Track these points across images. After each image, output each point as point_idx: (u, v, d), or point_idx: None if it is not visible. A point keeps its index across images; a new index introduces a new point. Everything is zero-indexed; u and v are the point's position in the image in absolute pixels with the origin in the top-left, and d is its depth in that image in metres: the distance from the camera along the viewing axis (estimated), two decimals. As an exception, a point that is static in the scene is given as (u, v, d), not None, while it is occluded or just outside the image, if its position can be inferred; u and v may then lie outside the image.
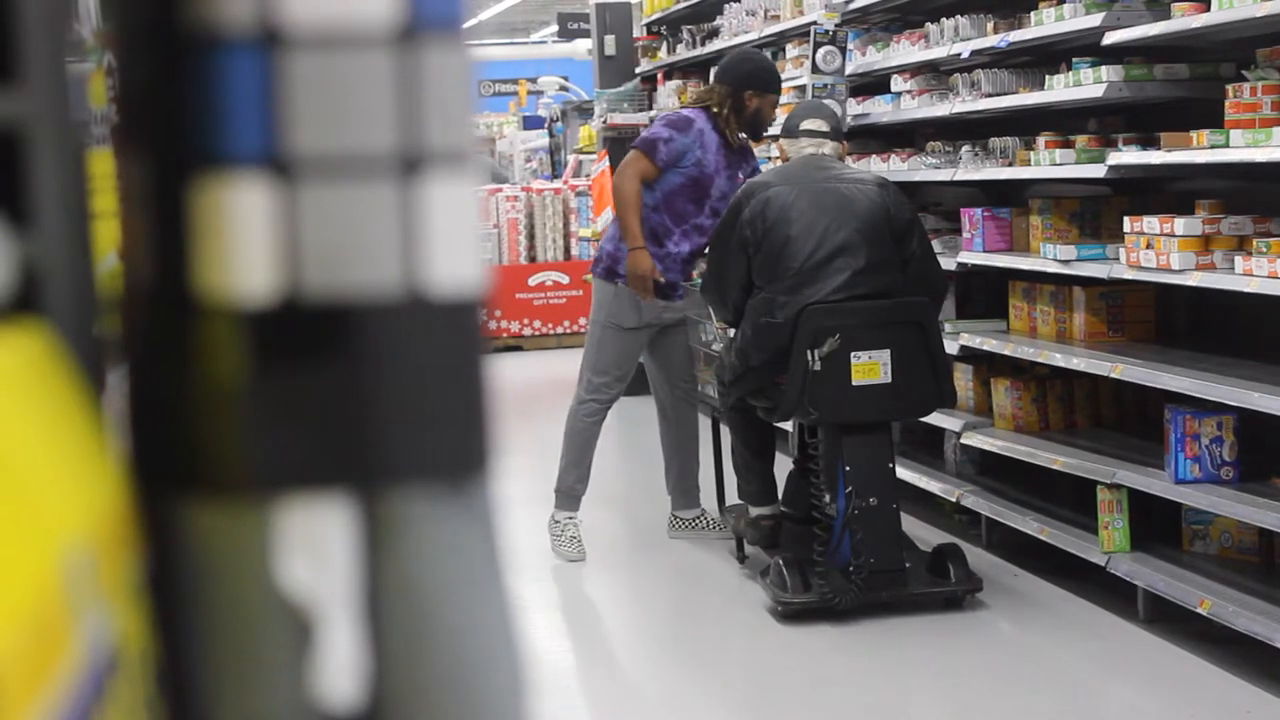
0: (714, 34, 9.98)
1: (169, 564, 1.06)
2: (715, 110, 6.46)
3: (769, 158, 7.84)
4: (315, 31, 1.05)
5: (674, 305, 6.52)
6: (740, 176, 6.49)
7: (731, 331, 5.95)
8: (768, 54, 9.01)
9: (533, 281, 13.62)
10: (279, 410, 1.05)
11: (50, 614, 0.81)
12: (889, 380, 5.53)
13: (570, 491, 6.51)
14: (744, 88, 6.46)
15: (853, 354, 5.50)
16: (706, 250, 6.21)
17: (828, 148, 5.91)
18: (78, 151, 1.11)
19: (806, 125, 5.92)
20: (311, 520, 1.07)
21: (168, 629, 1.05)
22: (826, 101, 7.34)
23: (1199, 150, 5.02)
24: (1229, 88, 5.00)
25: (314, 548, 1.07)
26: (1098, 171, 5.56)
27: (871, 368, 5.52)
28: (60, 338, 1.05)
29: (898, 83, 7.26)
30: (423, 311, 1.08)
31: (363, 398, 1.06)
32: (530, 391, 11.04)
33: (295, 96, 1.05)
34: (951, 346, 6.26)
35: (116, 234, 1.14)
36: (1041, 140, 6.05)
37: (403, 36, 1.07)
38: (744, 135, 6.54)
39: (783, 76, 8.35)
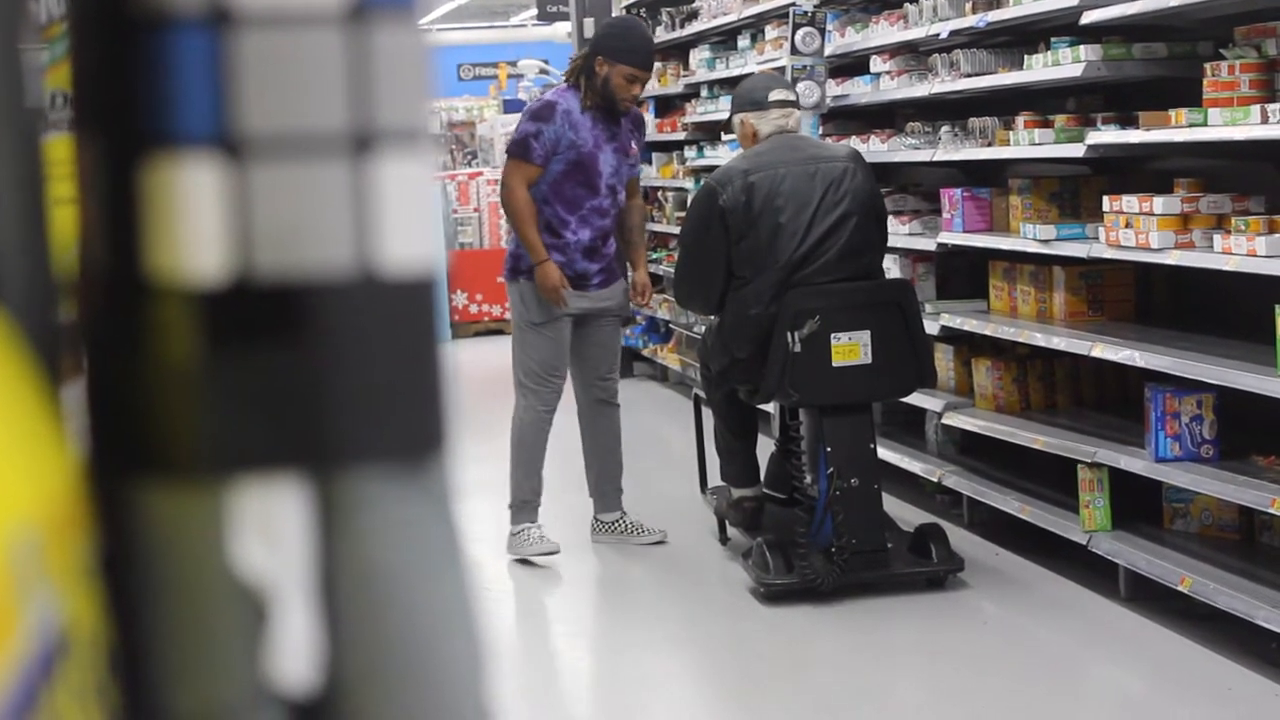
0: (693, 16, 9.96)
1: (123, 546, 1.06)
2: (573, 76, 6.24)
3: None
4: (264, 10, 1.04)
5: (589, 294, 6.20)
6: (633, 147, 6.29)
7: (713, 318, 5.93)
8: (746, 36, 9.01)
9: (514, 266, 13.57)
10: (232, 391, 1.05)
11: (-4, 597, 0.81)
12: (869, 361, 5.53)
13: (527, 504, 6.24)
14: (595, 53, 6.20)
15: (833, 335, 5.50)
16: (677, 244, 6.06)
17: (794, 118, 5.89)
18: (32, 135, 1.10)
19: (776, 96, 5.86)
20: (266, 502, 1.06)
21: (121, 611, 1.04)
22: (807, 82, 7.33)
23: (1177, 129, 5.01)
24: (1207, 66, 5.00)
25: (268, 529, 1.07)
26: (1077, 151, 5.56)
27: (852, 349, 5.52)
28: (14, 320, 1.04)
29: (877, 63, 7.26)
30: (376, 291, 1.07)
31: (316, 378, 1.06)
32: (511, 376, 11.02)
33: (245, 76, 1.04)
34: (932, 327, 6.26)
35: (75, 218, 1.13)
36: (1020, 120, 6.05)
37: (353, 14, 1.06)
38: (627, 106, 6.24)
39: (762, 58, 8.35)
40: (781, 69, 7.58)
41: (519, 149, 6.12)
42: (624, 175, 6.30)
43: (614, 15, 6.65)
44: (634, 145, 6.33)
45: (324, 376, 1.06)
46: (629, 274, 6.53)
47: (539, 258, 6.05)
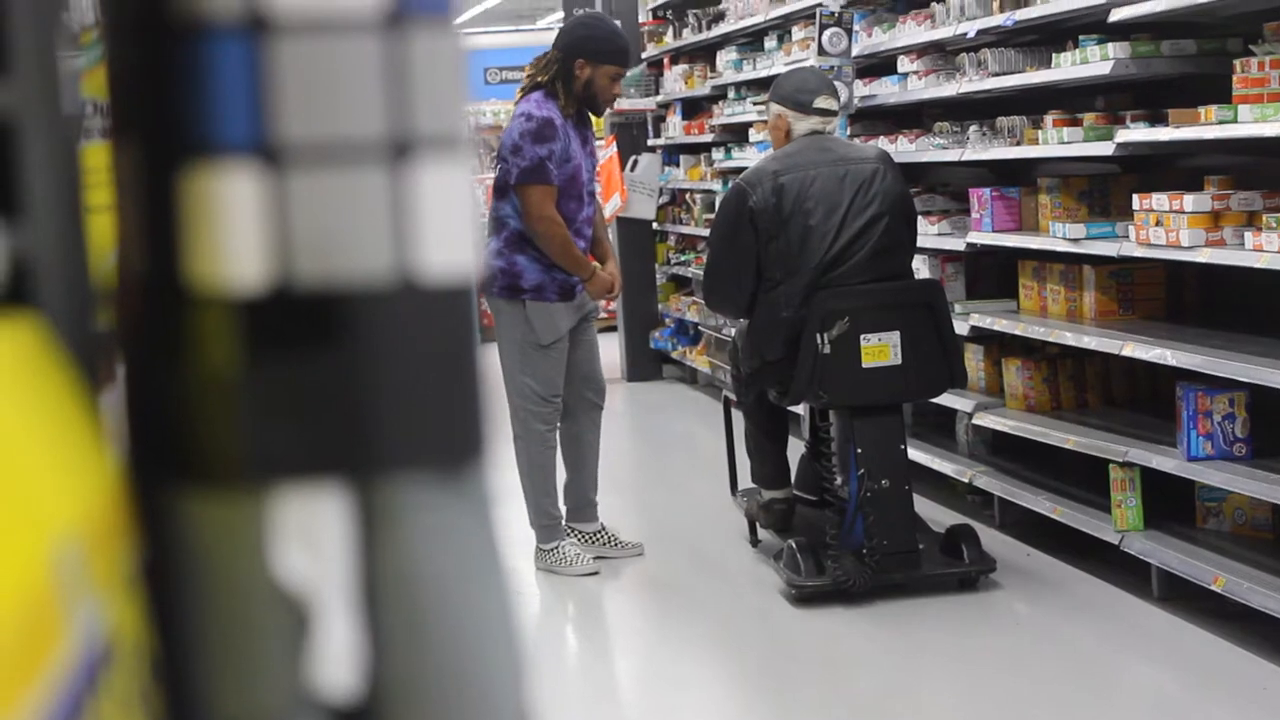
0: (720, 18, 9.96)
1: (165, 554, 1.06)
2: (548, 85, 5.95)
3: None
4: (302, 17, 1.05)
5: (576, 301, 6.02)
6: (591, 142, 6.10)
7: (743, 321, 5.91)
8: (774, 37, 9.00)
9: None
10: (273, 399, 1.05)
11: (41, 605, 0.81)
12: (899, 362, 5.52)
13: (548, 522, 6.12)
14: (574, 55, 5.93)
15: (862, 336, 5.49)
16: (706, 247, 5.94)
17: (831, 125, 5.87)
18: (69, 143, 1.11)
19: (820, 104, 5.82)
20: (306, 509, 1.07)
21: (164, 619, 1.05)
22: (834, 83, 7.31)
23: (1207, 126, 4.99)
24: (1237, 63, 4.98)
25: (309, 537, 1.07)
26: (1106, 149, 5.54)
27: (881, 350, 5.51)
28: (53, 329, 1.04)
29: (904, 63, 7.24)
30: (415, 298, 1.07)
31: (356, 385, 1.06)
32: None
33: (284, 83, 1.05)
34: (962, 327, 6.25)
35: (113, 227, 1.14)
36: (1049, 119, 6.03)
37: (390, 21, 1.07)
38: (607, 107, 6.10)
39: (789, 59, 8.34)
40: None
41: (537, 175, 5.84)
42: (593, 176, 6.16)
43: (579, 13, 6.22)
44: (589, 142, 6.15)
45: (363, 384, 1.06)
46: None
47: (587, 273, 5.94)
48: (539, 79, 5.99)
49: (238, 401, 1.05)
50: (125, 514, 1.03)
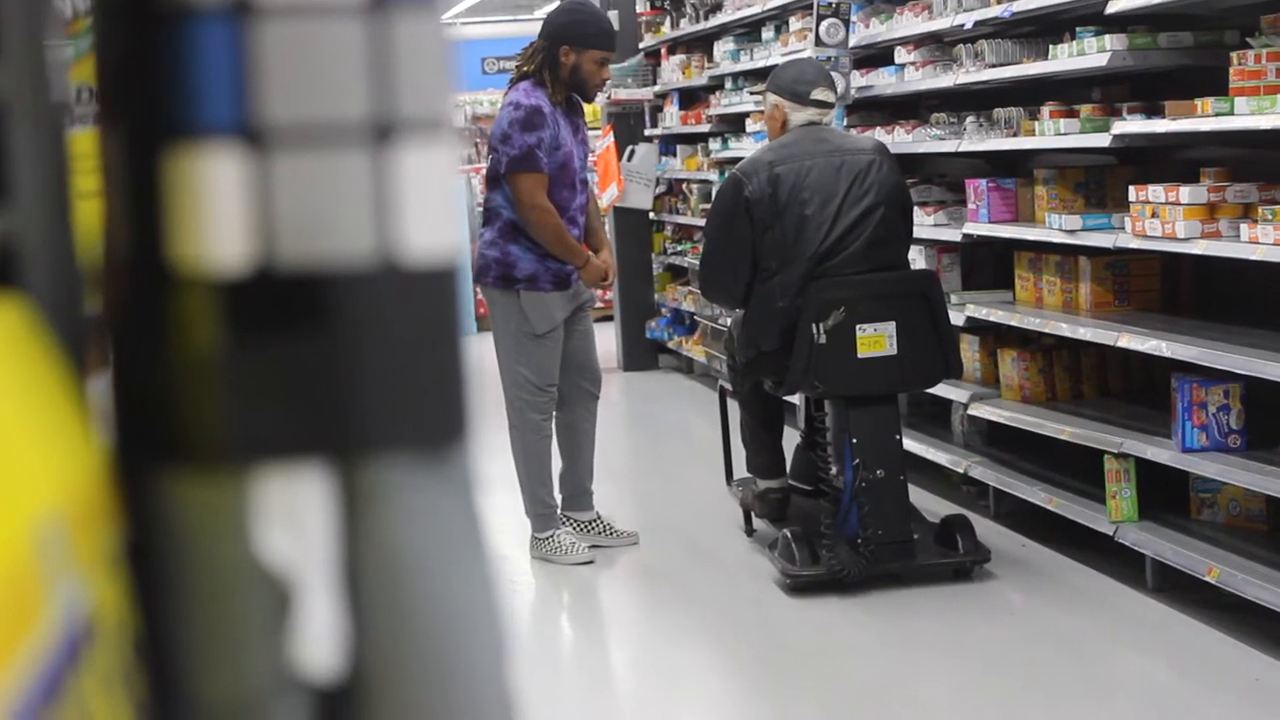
0: (717, 8, 9.95)
1: (148, 534, 1.07)
2: (535, 73, 5.98)
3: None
4: (286, 1, 1.05)
5: (572, 290, 6.01)
6: (582, 130, 6.11)
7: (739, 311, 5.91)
8: (771, 28, 9.00)
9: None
10: (255, 380, 1.06)
11: (23, 582, 0.82)
12: (895, 352, 5.52)
13: (544, 511, 6.13)
14: (559, 42, 5.96)
15: (858, 326, 5.49)
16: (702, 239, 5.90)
17: (828, 116, 5.87)
18: (57, 128, 1.11)
19: (817, 96, 5.82)
20: (289, 490, 1.07)
21: (147, 598, 1.05)
22: (831, 74, 7.31)
23: (1204, 118, 4.99)
24: (1233, 55, 4.98)
25: (292, 517, 1.08)
26: (1102, 141, 5.54)
27: (877, 340, 5.52)
28: (40, 312, 1.05)
29: (901, 54, 7.24)
30: (397, 279, 1.08)
31: (339, 366, 1.07)
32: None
33: (267, 66, 1.05)
34: (957, 317, 6.25)
35: (100, 211, 1.14)
36: (1046, 110, 6.03)
37: (374, 5, 1.07)
38: (596, 92, 6.12)
39: (786, 50, 8.35)
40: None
41: (527, 163, 5.83)
42: (586, 164, 6.15)
43: (565, 1, 6.22)
44: (581, 130, 6.15)
45: (346, 365, 1.07)
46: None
47: (581, 261, 5.93)
48: (525, 69, 6.02)
49: (221, 382, 1.06)
50: (110, 494, 1.04)
